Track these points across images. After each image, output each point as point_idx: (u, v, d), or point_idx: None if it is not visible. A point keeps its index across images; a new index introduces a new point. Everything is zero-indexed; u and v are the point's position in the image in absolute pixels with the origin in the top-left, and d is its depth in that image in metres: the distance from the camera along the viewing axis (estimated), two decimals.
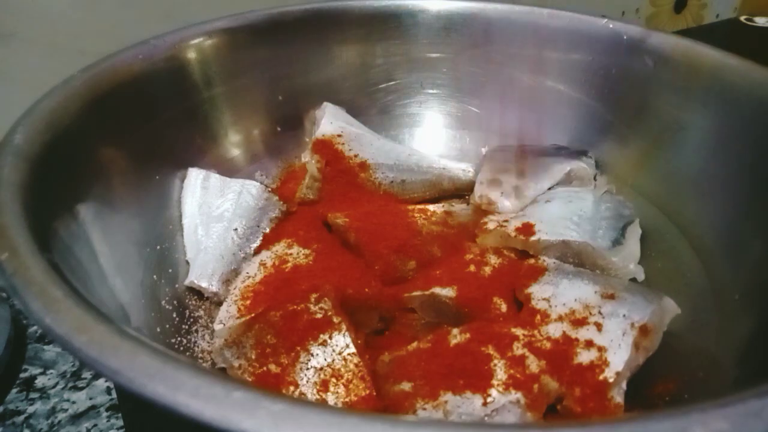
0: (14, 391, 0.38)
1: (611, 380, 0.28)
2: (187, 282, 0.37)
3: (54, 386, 0.38)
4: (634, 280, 0.38)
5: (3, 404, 0.37)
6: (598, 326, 0.30)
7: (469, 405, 0.27)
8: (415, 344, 0.32)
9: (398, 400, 0.28)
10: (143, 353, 0.18)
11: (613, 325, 0.31)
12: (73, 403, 0.37)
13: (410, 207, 0.44)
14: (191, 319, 0.36)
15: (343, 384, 0.29)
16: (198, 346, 0.34)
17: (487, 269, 0.37)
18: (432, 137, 0.52)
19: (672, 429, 0.16)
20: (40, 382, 0.39)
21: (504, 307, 0.34)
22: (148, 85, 0.39)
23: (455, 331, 0.31)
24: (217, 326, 0.33)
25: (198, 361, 0.33)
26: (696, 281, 0.36)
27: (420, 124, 0.52)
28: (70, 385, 0.38)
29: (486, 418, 0.27)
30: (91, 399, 0.37)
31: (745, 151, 0.37)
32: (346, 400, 0.28)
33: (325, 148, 0.45)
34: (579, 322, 0.31)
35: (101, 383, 0.38)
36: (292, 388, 0.29)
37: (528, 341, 0.30)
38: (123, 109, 0.37)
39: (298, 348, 0.30)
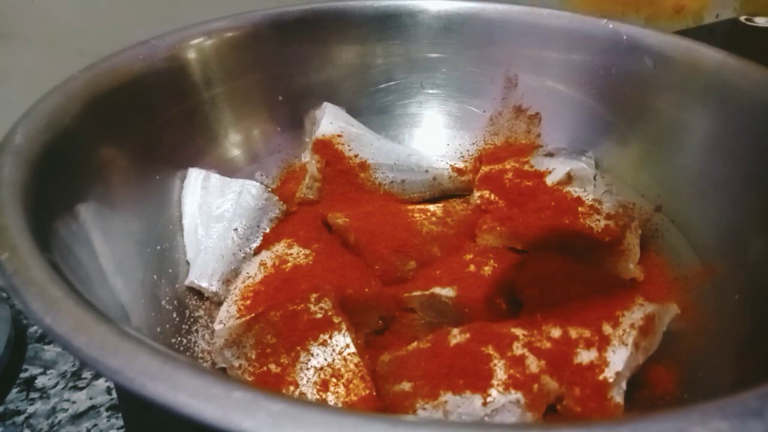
0: (14, 391, 0.38)
1: (611, 380, 0.28)
2: (187, 282, 0.37)
3: (54, 386, 0.38)
4: (634, 280, 0.38)
5: (3, 404, 0.37)
6: (598, 326, 0.30)
7: (469, 405, 0.27)
8: (415, 344, 0.32)
9: (398, 400, 0.28)
10: (143, 353, 0.18)
11: (612, 325, 0.30)
12: (73, 403, 0.37)
13: (410, 207, 0.44)
14: (191, 319, 0.36)
15: (343, 384, 0.29)
16: (198, 346, 0.34)
17: (487, 269, 0.37)
18: (432, 137, 0.52)
19: (672, 429, 0.16)
20: (40, 382, 0.39)
21: (504, 307, 0.34)
22: (148, 85, 0.39)
23: (455, 331, 0.31)
24: (217, 326, 0.33)
25: (198, 361, 0.33)
26: (696, 281, 0.36)
27: (420, 124, 0.52)
28: (70, 385, 0.38)
29: (486, 418, 0.27)
30: (91, 399, 0.37)
31: (745, 151, 0.37)
32: (346, 400, 0.28)
33: (325, 148, 0.45)
34: (579, 322, 0.31)
35: (101, 383, 0.38)
36: (292, 388, 0.29)
37: (528, 341, 0.30)
38: (123, 109, 0.37)
39: (298, 348, 0.30)
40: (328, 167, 0.45)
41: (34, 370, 0.39)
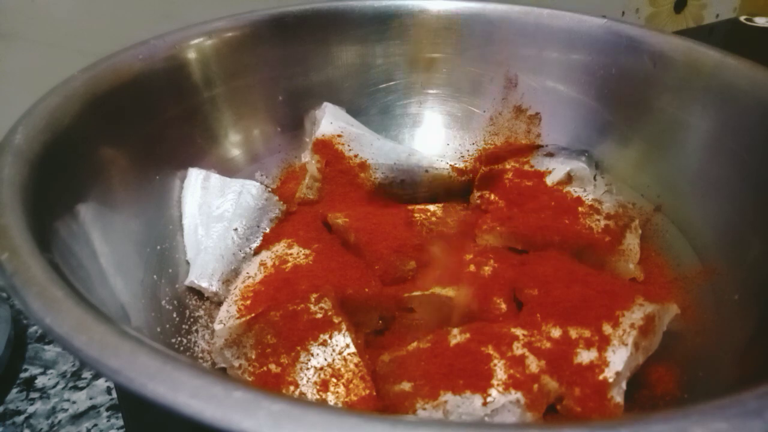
0: (14, 391, 0.38)
1: (611, 380, 0.28)
2: (187, 282, 0.37)
3: (54, 386, 0.38)
4: (634, 280, 0.38)
5: (3, 404, 0.37)
6: (598, 326, 0.30)
7: (469, 405, 0.27)
8: (415, 344, 0.32)
9: (398, 400, 0.28)
10: (143, 353, 0.18)
11: (612, 325, 0.30)
12: (74, 403, 0.37)
13: (410, 207, 0.44)
14: (191, 319, 0.36)
15: (343, 384, 0.29)
16: (198, 346, 0.34)
17: (487, 269, 0.37)
18: (432, 137, 0.52)
19: (672, 429, 0.16)
20: (40, 382, 0.39)
21: (504, 307, 0.34)
22: (148, 85, 0.39)
23: (455, 331, 0.31)
24: (217, 326, 0.33)
25: (198, 361, 0.33)
26: (696, 281, 0.36)
27: (420, 124, 0.52)
28: (70, 385, 0.38)
29: (486, 418, 0.27)
30: (91, 399, 0.37)
31: (745, 151, 0.37)
32: (346, 400, 0.28)
33: (325, 148, 0.45)
34: (579, 322, 0.31)
35: (101, 383, 0.38)
36: (292, 388, 0.29)
37: (528, 341, 0.30)
38: (123, 109, 0.37)
39: (298, 348, 0.30)
40: (328, 167, 0.45)
41: (34, 370, 0.39)
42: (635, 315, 0.31)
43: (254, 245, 0.40)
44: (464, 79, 0.51)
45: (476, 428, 0.19)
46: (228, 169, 0.44)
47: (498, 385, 0.28)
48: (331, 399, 0.28)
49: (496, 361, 0.29)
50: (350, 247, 0.39)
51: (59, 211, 0.28)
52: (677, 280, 0.37)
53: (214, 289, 0.36)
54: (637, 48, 0.44)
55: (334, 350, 0.30)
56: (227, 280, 0.37)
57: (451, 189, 0.48)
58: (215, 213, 0.40)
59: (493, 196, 0.44)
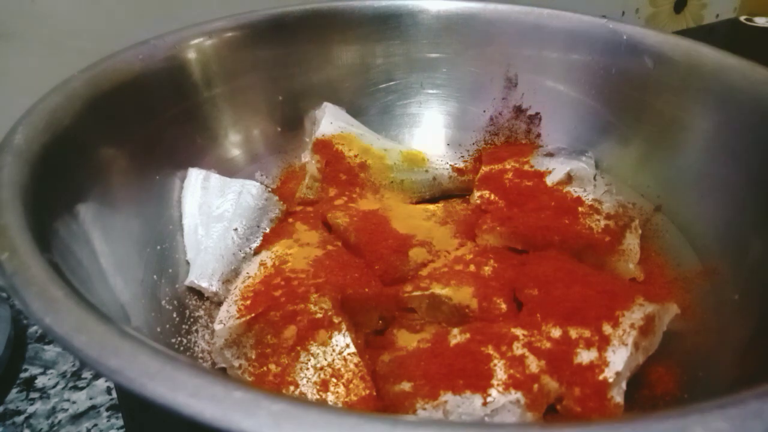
0: (14, 391, 0.38)
1: (611, 380, 0.28)
2: (187, 282, 0.37)
3: (54, 386, 0.38)
4: (634, 280, 0.38)
5: (3, 404, 0.37)
6: (598, 326, 0.30)
7: (469, 405, 0.27)
8: (415, 344, 0.32)
9: (398, 400, 0.28)
10: (143, 353, 0.18)
11: (612, 325, 0.30)
12: (74, 403, 0.37)
13: (410, 207, 0.44)
14: (191, 319, 0.36)
15: (343, 384, 0.29)
16: (198, 346, 0.34)
17: (487, 269, 0.37)
18: (432, 137, 0.52)
19: (672, 429, 0.16)
20: (40, 382, 0.39)
21: (504, 307, 0.34)
22: (148, 85, 0.39)
23: (455, 331, 0.31)
24: (217, 326, 0.33)
25: (198, 361, 0.33)
26: (696, 281, 0.36)
27: (420, 124, 0.52)
28: (70, 385, 0.38)
29: (486, 418, 0.27)
30: (91, 399, 0.37)
31: (745, 151, 0.37)
32: (346, 400, 0.28)
33: (325, 148, 0.45)
34: (579, 322, 0.31)
35: (101, 383, 0.38)
36: (292, 388, 0.29)
37: (528, 341, 0.30)
38: (123, 109, 0.37)
39: (298, 348, 0.30)
40: (328, 167, 0.45)
41: (34, 370, 0.39)
42: (635, 315, 0.31)
43: (254, 245, 0.40)
44: (464, 79, 0.51)
45: (476, 428, 0.19)
46: (228, 169, 0.44)
47: (498, 385, 0.28)
48: (331, 399, 0.28)
49: (496, 361, 0.29)
50: (350, 247, 0.39)
51: (59, 211, 0.28)
52: (677, 280, 0.37)
53: (214, 289, 0.36)
54: (637, 48, 0.44)
55: (334, 350, 0.30)
56: (227, 280, 0.37)
57: (451, 189, 0.48)
58: (215, 213, 0.40)
59: (493, 196, 0.44)
